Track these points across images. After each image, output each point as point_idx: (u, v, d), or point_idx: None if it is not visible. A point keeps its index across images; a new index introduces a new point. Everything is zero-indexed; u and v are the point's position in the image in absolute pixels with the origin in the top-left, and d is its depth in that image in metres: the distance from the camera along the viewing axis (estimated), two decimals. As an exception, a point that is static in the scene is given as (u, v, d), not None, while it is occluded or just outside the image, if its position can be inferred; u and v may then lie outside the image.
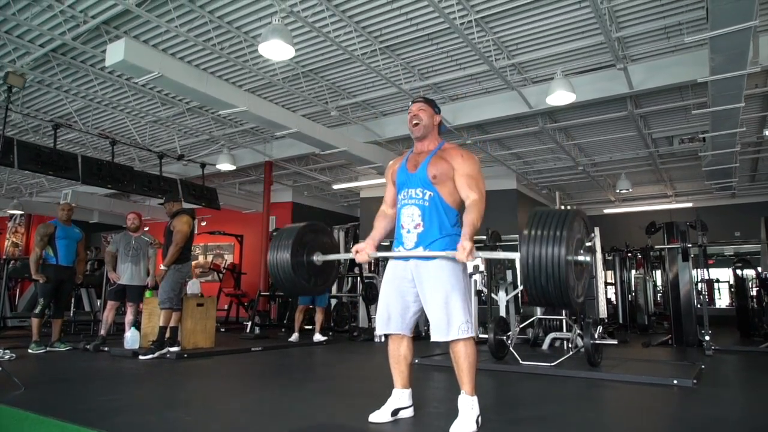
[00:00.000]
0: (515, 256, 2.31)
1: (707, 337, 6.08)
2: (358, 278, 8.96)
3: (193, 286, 6.12)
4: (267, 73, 7.21)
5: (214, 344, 5.95)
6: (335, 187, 12.91)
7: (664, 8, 5.75)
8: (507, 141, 10.22)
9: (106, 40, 6.04)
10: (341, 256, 3.17)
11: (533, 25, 6.08)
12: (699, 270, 6.40)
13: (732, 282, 9.20)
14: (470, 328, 2.40)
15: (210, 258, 14.60)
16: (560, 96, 6.48)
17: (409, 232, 2.53)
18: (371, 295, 8.69)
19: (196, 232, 5.80)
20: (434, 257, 2.45)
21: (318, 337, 6.96)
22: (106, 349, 5.63)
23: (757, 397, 3.70)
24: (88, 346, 5.74)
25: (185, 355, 5.18)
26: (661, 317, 10.71)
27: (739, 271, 8.88)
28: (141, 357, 5.09)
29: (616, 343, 4.50)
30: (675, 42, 6.43)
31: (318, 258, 2.88)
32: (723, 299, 14.22)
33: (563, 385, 3.95)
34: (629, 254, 10.73)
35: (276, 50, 5.17)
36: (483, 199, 2.51)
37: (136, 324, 5.88)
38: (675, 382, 3.72)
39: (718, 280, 13.61)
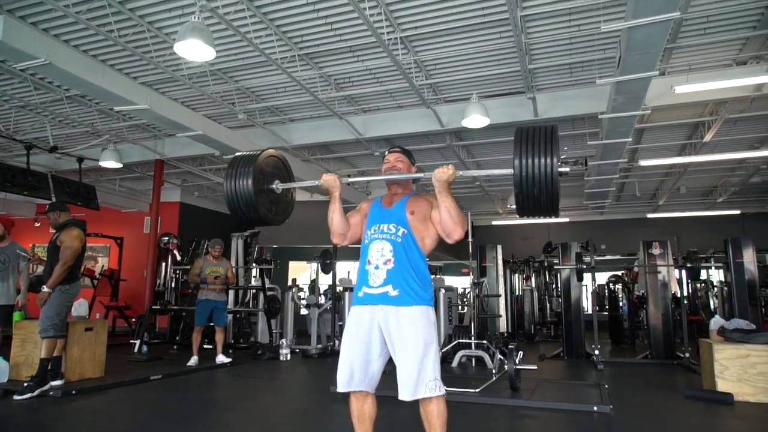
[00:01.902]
0: (507, 171, 2.30)
1: (597, 352, 6.64)
2: (260, 291, 8.53)
3: (80, 308, 5.34)
4: (169, 68, 6.55)
5: (104, 373, 5.25)
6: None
7: (571, 48, 6.17)
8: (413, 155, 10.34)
9: (-25, 14, 5.07)
10: (303, 183, 2.96)
11: (454, 49, 6.19)
12: (588, 288, 6.95)
13: (606, 294, 10.18)
14: (439, 385, 2.28)
15: (81, 261, 13.03)
16: (475, 119, 6.68)
17: (377, 267, 2.37)
18: (274, 309, 8.31)
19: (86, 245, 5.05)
20: (407, 296, 2.31)
21: (221, 358, 6.46)
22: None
23: (665, 424, 3.99)
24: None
25: (73, 392, 4.47)
26: (544, 325, 11.61)
27: (612, 285, 9.86)
28: (16, 397, 4.28)
29: (535, 368, 4.70)
30: (576, 77, 6.96)
31: (277, 186, 2.76)
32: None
33: (489, 414, 4.03)
34: (526, 265, 11.47)
35: (194, 51, 4.68)
36: (463, 218, 2.42)
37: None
38: (595, 408, 3.97)
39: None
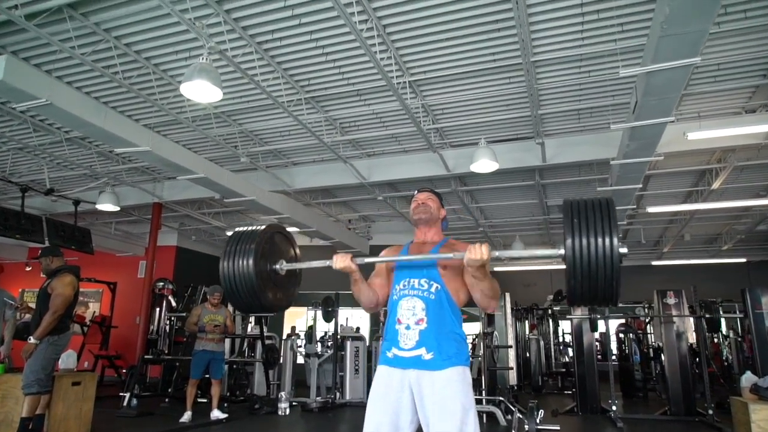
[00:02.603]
0: (556, 252, 1.98)
1: (614, 408, 6.28)
2: (258, 340, 8.16)
3: (68, 359, 4.98)
4: (173, 110, 6.45)
5: (90, 432, 4.86)
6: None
7: (581, 94, 6.13)
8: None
9: (-22, 54, 4.98)
10: (311, 264, 2.42)
11: (462, 93, 6.13)
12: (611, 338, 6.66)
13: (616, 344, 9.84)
14: None
15: (71, 306, 12.59)
16: (484, 164, 6.56)
17: (408, 328, 2.13)
18: (272, 359, 7.93)
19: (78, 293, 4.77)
20: (442, 359, 2.05)
21: (216, 414, 6.04)
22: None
23: None
24: None
25: (55, 456, 4.10)
26: (550, 375, 11.19)
27: (621, 335, 9.54)
28: (-8, 462, 3.92)
29: (558, 429, 4.37)
30: (585, 123, 6.91)
31: (282, 266, 2.37)
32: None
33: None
34: (530, 313, 11.19)
35: (200, 92, 4.56)
36: (498, 291, 2.21)
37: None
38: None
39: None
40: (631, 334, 9.07)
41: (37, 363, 4.18)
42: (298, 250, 2.60)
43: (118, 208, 8.66)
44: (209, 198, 9.41)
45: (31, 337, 4.21)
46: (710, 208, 9.64)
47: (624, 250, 1.91)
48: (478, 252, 1.97)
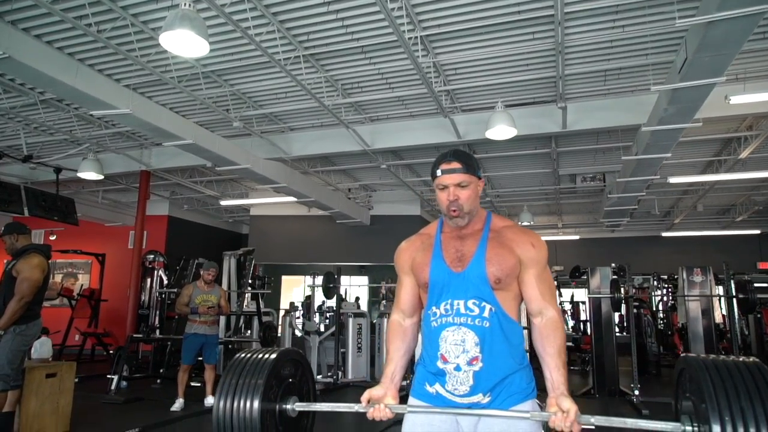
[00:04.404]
0: (679, 428, 1.43)
1: (636, 392, 5.89)
2: (255, 317, 7.71)
3: (42, 348, 4.49)
4: (157, 68, 5.78)
5: (68, 427, 4.40)
6: (223, 203, 11.39)
7: (610, 52, 5.50)
8: (419, 167, 9.65)
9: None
10: (335, 407, 1.74)
11: (479, 51, 5.49)
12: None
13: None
14: None
15: (59, 278, 12.12)
16: (501, 130, 5.96)
17: (458, 368, 1.58)
18: (270, 338, 7.49)
19: (50, 275, 4.24)
20: (505, 399, 1.56)
21: (210, 400, 5.60)
22: None
23: None
24: None
25: (25, 460, 3.64)
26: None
27: (635, 310, 9.14)
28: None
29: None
30: (610, 86, 6.30)
31: (294, 406, 1.75)
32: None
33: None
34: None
35: (184, 44, 3.92)
36: (562, 316, 1.69)
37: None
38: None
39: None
40: (643, 310, 8.65)
41: (2, 356, 3.66)
42: (314, 384, 1.98)
43: (101, 177, 8.05)
44: (200, 166, 8.80)
45: (-5, 327, 3.69)
46: (734, 179, 9.10)
47: None
48: (567, 424, 1.45)
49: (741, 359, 1.42)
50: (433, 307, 1.65)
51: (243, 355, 1.75)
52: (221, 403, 1.63)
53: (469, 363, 1.57)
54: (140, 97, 5.91)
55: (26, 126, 7.63)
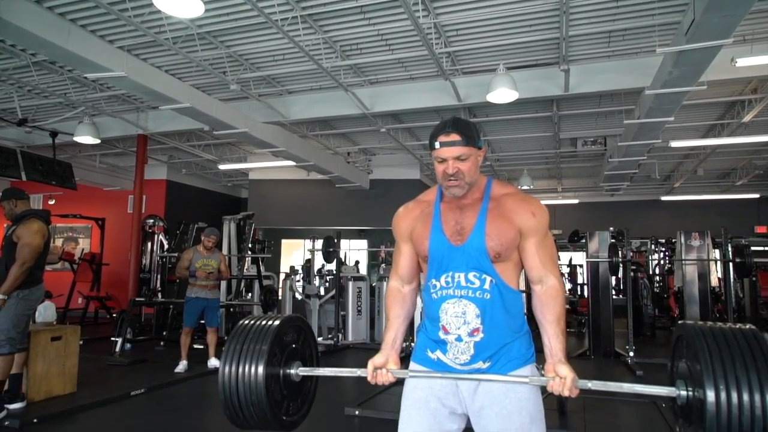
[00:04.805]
0: (674, 392, 1.47)
1: (631, 354, 6.02)
2: (255, 281, 7.77)
3: (46, 312, 4.55)
4: (151, 29, 5.63)
5: (76, 387, 4.50)
6: (222, 167, 11.32)
7: (616, 12, 5.36)
8: (419, 131, 9.56)
9: None
10: (338, 372, 1.80)
11: (482, 11, 5.34)
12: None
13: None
14: None
15: (60, 243, 12.17)
16: (502, 93, 5.87)
17: (459, 339, 1.59)
18: (271, 301, 7.58)
19: (51, 240, 4.25)
20: (504, 364, 1.60)
21: (214, 362, 5.71)
22: None
23: None
24: None
25: (34, 420, 3.70)
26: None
27: (632, 274, 9.23)
28: (-37, 429, 3.55)
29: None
30: (614, 47, 6.16)
31: (297, 371, 1.78)
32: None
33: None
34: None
35: (177, 3, 3.82)
36: (563, 283, 1.70)
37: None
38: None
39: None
40: (640, 273, 8.74)
41: (6, 321, 3.72)
42: (317, 350, 1.97)
43: (98, 141, 7.97)
44: (198, 129, 8.71)
45: (-2, 292, 3.73)
46: (736, 143, 9.03)
47: None
48: (565, 390, 1.50)
49: (738, 326, 1.44)
50: (433, 280, 1.65)
51: (247, 321, 1.77)
52: (226, 368, 1.66)
53: (470, 334, 1.59)
54: (135, 60, 5.79)
55: (20, 89, 7.50)
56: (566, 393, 1.48)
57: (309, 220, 12.08)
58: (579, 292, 10.72)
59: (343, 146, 10.61)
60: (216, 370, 5.70)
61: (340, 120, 8.80)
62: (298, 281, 9.83)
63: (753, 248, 10.80)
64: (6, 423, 3.64)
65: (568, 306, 11.14)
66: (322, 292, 8.22)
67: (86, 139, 7.74)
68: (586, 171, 12.22)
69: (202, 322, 5.99)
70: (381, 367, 1.67)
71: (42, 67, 6.76)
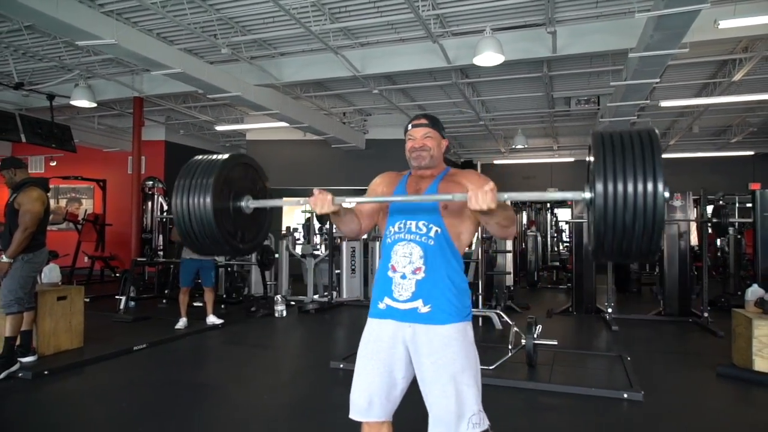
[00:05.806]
0: (581, 195, 1.64)
1: (610, 310, 6.31)
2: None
3: (51, 273, 4.83)
4: (139, -6, 5.68)
5: (83, 342, 4.83)
6: (219, 128, 11.43)
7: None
8: (413, 91, 9.60)
9: None
10: (284, 202, 2.17)
11: (468, -27, 5.36)
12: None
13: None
14: (483, 418, 1.85)
15: (63, 203, 12.44)
16: (488, 57, 5.93)
17: (404, 277, 1.87)
18: (267, 261, 7.88)
19: (51, 207, 4.47)
20: (441, 312, 1.84)
21: (212, 319, 6.05)
22: None
23: (703, 414, 3.57)
24: None
25: (45, 372, 4.04)
26: (546, 269, 11.41)
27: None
28: (-20, 381, 3.88)
29: (555, 343, 4.30)
30: (602, 9, 6.16)
31: (248, 204, 2.03)
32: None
33: (506, 399, 3.67)
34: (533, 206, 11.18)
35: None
36: (514, 218, 1.90)
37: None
38: (625, 396, 3.59)
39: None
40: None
41: (14, 282, 4.00)
42: (267, 183, 2.23)
43: (94, 104, 8.10)
44: (193, 91, 8.79)
45: (4, 256, 3.99)
46: (727, 102, 9.05)
47: (666, 194, 1.51)
48: (480, 200, 1.59)
49: (638, 130, 1.59)
50: (390, 227, 1.96)
51: (196, 158, 2.01)
52: (178, 202, 1.89)
53: (413, 272, 1.86)
54: (125, 26, 5.85)
55: (14, 52, 7.57)
56: (483, 202, 1.58)
57: (306, 179, 12.22)
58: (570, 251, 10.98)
59: (338, 107, 10.67)
60: (215, 326, 6.07)
61: (334, 81, 8.85)
62: (299, 240, 10.11)
63: (742, 205, 11.00)
64: (20, 374, 3.98)
65: (558, 263, 11.46)
66: (323, 250, 8.49)
67: (82, 102, 7.86)
68: (582, 129, 12.25)
69: (200, 281, 6.29)
70: (321, 194, 1.84)
71: (34, 31, 6.82)
